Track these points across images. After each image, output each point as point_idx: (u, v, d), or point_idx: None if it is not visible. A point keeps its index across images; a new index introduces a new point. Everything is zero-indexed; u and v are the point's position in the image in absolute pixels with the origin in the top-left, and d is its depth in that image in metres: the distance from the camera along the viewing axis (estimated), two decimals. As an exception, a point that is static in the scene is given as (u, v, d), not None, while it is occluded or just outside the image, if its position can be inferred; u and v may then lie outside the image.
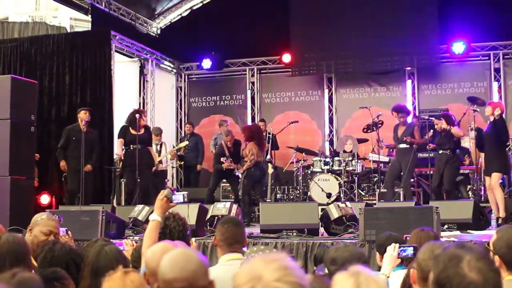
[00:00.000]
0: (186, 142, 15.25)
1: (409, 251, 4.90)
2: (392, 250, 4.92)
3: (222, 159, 12.97)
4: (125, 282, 3.12)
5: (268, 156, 13.71)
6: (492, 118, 10.88)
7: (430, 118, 12.61)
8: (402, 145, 12.19)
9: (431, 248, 3.23)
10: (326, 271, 4.18)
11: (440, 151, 11.80)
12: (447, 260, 2.35)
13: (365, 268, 2.40)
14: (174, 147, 16.29)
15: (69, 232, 5.79)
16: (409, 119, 14.36)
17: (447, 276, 2.31)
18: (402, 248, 4.91)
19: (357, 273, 2.32)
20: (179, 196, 4.69)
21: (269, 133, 14.75)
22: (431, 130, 12.40)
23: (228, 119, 17.12)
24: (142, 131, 12.33)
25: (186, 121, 18.56)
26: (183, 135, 18.39)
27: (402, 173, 12.32)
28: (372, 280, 2.31)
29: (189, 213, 8.45)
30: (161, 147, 14.85)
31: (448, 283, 2.30)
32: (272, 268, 2.04)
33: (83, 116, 12.32)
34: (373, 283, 2.30)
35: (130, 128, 12.38)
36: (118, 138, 12.82)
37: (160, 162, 14.15)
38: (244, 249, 4.45)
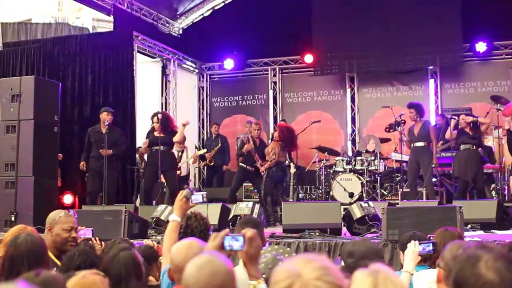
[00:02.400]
0: (204, 150, 15.26)
1: (429, 247, 4.89)
2: (413, 246, 4.91)
3: (243, 138, 13.00)
4: (84, 283, 3.13)
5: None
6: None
7: (454, 117, 12.51)
8: (418, 144, 12.09)
9: (458, 247, 3.22)
10: (343, 263, 4.17)
11: (473, 147, 11.67)
12: (464, 260, 2.34)
13: (386, 267, 2.38)
14: (196, 148, 16.34)
15: (96, 239, 5.84)
16: (432, 119, 14.30)
17: (464, 276, 2.30)
18: (422, 245, 4.90)
19: (376, 272, 2.31)
20: (198, 196, 4.68)
21: None
22: (455, 131, 12.24)
23: (251, 119, 17.13)
24: (165, 133, 12.17)
25: (208, 121, 18.65)
26: (206, 135, 18.45)
27: (421, 173, 12.24)
28: (391, 280, 2.30)
29: (211, 213, 8.46)
30: (182, 153, 14.85)
31: (464, 283, 2.29)
32: (312, 267, 2.05)
33: (105, 117, 12.27)
34: (391, 284, 2.29)
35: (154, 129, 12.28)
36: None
37: (179, 168, 14.14)
38: (265, 247, 4.45)
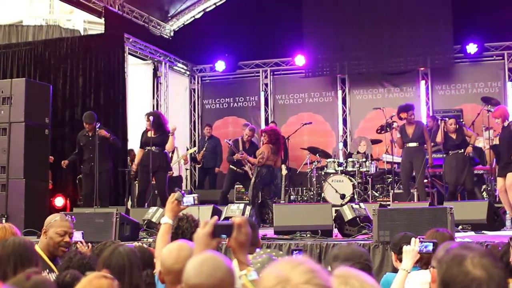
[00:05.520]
0: (195, 148, 15.25)
1: (429, 247, 4.89)
2: (413, 245, 4.91)
3: (232, 147, 13.02)
4: (92, 284, 3.13)
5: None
6: (506, 124, 10.81)
7: (444, 118, 12.56)
8: (411, 144, 12.16)
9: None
10: (329, 268, 4.18)
11: (460, 151, 11.76)
12: (450, 260, 2.36)
13: (353, 270, 2.37)
14: (188, 149, 16.32)
15: (83, 241, 5.83)
16: (424, 121, 14.35)
17: (451, 275, 2.31)
18: (423, 244, 4.90)
19: (348, 277, 2.30)
20: (189, 198, 4.68)
21: None
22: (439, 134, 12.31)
23: (243, 121, 17.13)
24: (158, 133, 12.16)
25: (200, 123, 18.63)
26: (197, 137, 18.44)
27: (414, 173, 12.29)
28: (367, 285, 2.30)
29: (202, 215, 8.46)
30: (173, 153, 14.81)
31: (452, 282, 2.30)
32: (299, 271, 2.04)
33: (88, 127, 12.38)
34: (368, 286, 2.29)
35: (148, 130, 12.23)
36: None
37: (171, 169, 14.13)
38: (258, 250, 4.45)
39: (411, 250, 4.89)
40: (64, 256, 4.82)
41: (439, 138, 12.24)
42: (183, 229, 4.90)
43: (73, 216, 5.66)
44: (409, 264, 4.86)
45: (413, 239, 4.97)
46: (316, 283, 2.01)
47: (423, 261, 5.00)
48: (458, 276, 2.30)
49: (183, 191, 4.91)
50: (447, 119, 12.41)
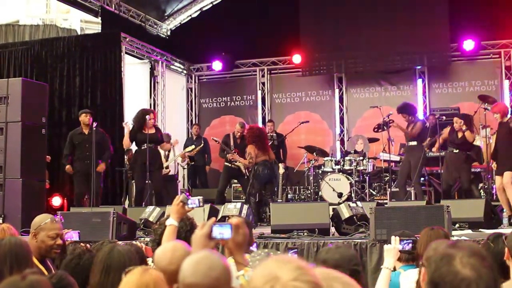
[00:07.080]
0: (192, 147, 15.23)
1: (409, 245, 4.93)
2: (393, 243, 4.93)
3: (227, 154, 12.97)
4: (143, 278, 3.11)
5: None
6: (505, 119, 10.79)
7: (441, 117, 12.54)
8: (411, 143, 12.17)
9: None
10: None
11: (457, 150, 11.73)
12: (439, 259, 2.36)
13: (335, 272, 2.37)
14: (184, 148, 16.32)
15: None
16: (421, 116, 14.34)
17: (440, 275, 2.31)
18: (402, 241, 4.93)
19: (330, 279, 2.29)
20: (194, 201, 4.69)
21: (274, 133, 14.92)
22: (448, 128, 12.24)
23: (239, 120, 17.12)
24: (153, 130, 12.16)
25: (197, 122, 18.58)
26: (193, 136, 18.44)
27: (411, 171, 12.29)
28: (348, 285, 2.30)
29: (199, 215, 8.46)
30: (169, 152, 14.81)
31: (442, 281, 2.30)
32: (288, 268, 2.04)
33: (83, 119, 12.19)
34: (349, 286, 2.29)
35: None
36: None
37: (167, 167, 14.12)
38: (253, 248, 4.46)
39: (392, 249, 4.92)
40: (56, 257, 4.81)
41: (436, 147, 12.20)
42: (178, 227, 4.90)
43: (61, 216, 5.64)
44: (391, 262, 4.89)
45: (393, 237, 5.00)
46: (305, 280, 2.01)
47: (419, 260, 5.01)
48: (448, 275, 2.30)
49: (188, 193, 4.92)
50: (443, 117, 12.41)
